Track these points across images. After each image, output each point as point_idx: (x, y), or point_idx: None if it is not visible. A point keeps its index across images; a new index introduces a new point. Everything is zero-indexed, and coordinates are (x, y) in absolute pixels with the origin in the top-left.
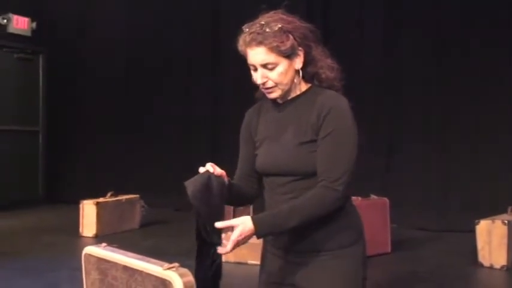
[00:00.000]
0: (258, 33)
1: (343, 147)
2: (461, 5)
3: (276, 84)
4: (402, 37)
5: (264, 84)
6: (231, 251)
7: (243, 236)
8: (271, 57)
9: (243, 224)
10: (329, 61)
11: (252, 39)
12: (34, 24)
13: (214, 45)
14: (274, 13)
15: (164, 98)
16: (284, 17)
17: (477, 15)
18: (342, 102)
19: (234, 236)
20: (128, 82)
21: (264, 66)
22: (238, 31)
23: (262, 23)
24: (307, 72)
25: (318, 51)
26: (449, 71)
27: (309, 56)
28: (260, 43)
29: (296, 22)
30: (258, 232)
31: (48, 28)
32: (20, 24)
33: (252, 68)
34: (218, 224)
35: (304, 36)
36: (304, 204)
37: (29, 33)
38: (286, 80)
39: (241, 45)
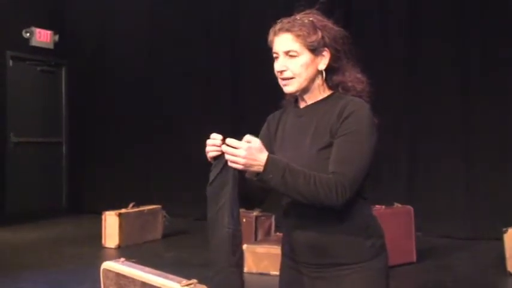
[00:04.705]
0: (288, 22)
1: (357, 149)
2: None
3: (294, 76)
4: (424, 43)
5: (281, 73)
6: (237, 159)
7: (252, 156)
8: (295, 45)
9: (260, 148)
10: (359, 75)
11: (281, 28)
12: (57, 37)
13: (234, 51)
14: (310, 11)
15: (185, 109)
16: (318, 16)
17: (498, 17)
18: (364, 108)
19: (248, 144)
20: (150, 94)
21: (287, 53)
22: (259, 31)
23: (296, 17)
24: (333, 80)
25: (347, 62)
26: (472, 75)
27: (336, 63)
28: (287, 30)
29: (329, 23)
30: (265, 168)
31: (70, 40)
32: (42, 37)
33: (275, 56)
34: (229, 141)
35: (333, 37)
36: (316, 178)
37: (51, 46)
38: (305, 74)
39: (270, 35)
